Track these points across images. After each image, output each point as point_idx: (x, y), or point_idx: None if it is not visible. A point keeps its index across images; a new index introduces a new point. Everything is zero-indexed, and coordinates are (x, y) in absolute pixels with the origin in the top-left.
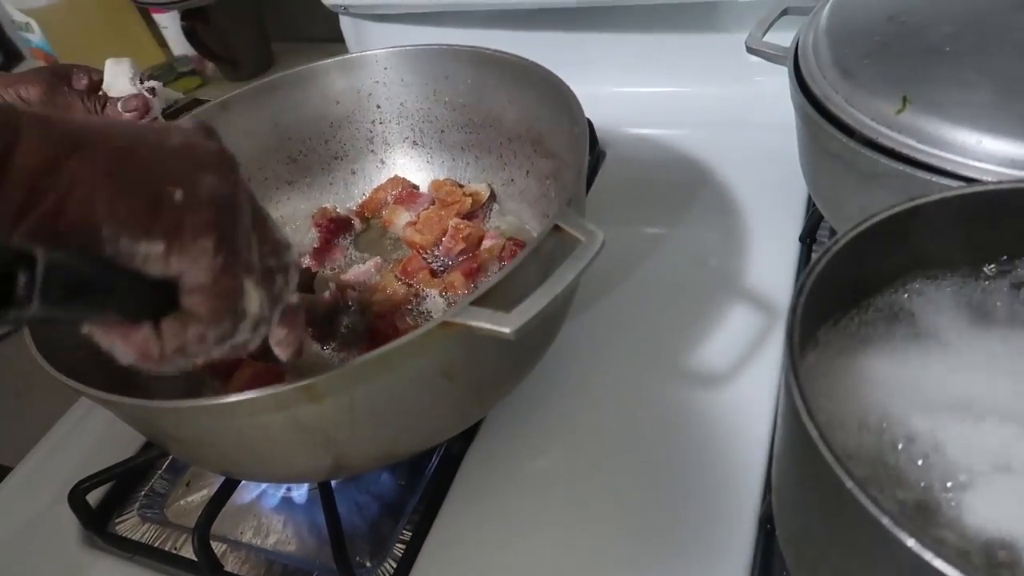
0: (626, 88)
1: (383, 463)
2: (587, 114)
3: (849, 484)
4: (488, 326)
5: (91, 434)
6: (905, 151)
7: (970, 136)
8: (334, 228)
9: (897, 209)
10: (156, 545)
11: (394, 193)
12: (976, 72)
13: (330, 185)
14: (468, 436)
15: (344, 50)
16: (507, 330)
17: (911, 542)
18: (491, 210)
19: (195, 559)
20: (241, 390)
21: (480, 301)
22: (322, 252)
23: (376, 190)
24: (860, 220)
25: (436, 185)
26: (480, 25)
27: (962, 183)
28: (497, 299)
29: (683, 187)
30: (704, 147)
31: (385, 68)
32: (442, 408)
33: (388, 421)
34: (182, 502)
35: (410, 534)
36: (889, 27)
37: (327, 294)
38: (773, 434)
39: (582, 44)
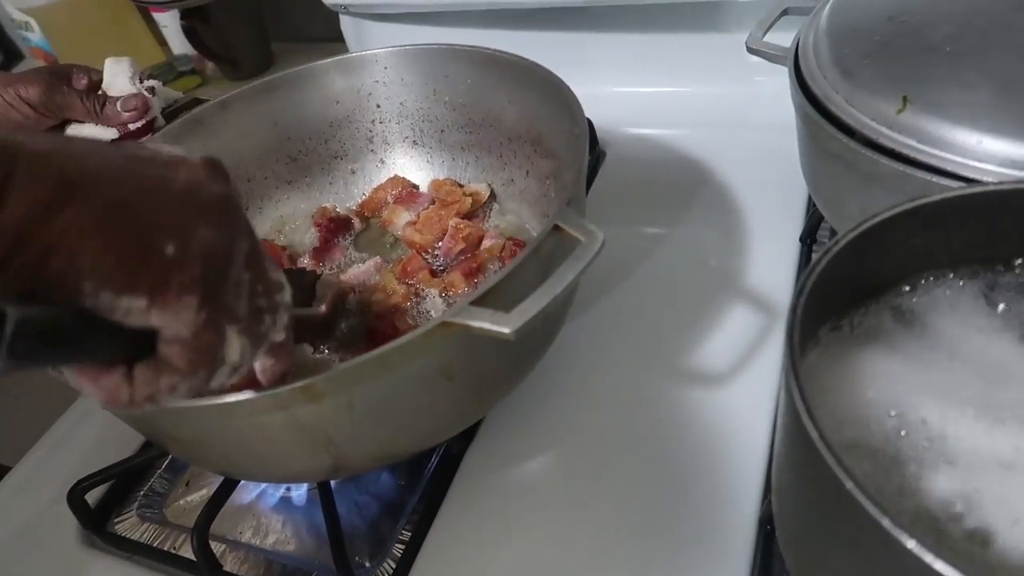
0: (626, 88)
1: (382, 463)
2: (587, 114)
3: (849, 485)
4: (488, 326)
5: (90, 433)
6: (905, 151)
7: (970, 136)
8: (334, 228)
9: (897, 210)
10: (155, 545)
11: (394, 193)
12: (976, 72)
13: (330, 185)
14: (468, 436)
15: (344, 50)
16: (507, 330)
17: (911, 543)
18: (491, 210)
19: (194, 559)
20: (240, 390)
21: (480, 301)
22: (322, 252)
23: (376, 190)
24: (860, 221)
25: (436, 185)
26: (480, 25)
27: (962, 183)
28: (497, 299)
29: (683, 187)
30: (704, 147)
31: (385, 68)
32: (441, 408)
33: (387, 421)
34: (181, 502)
35: (409, 534)
36: (889, 27)
37: (323, 308)
38: (773, 435)
39: (582, 44)
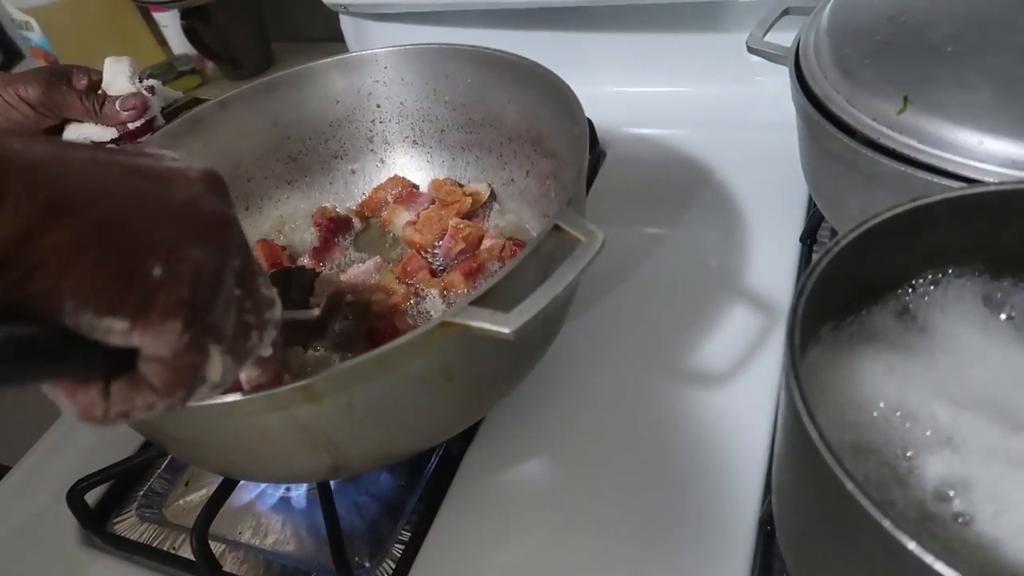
0: (627, 88)
1: (382, 463)
2: (587, 114)
3: (850, 486)
4: (487, 326)
5: (90, 433)
6: (906, 151)
7: (971, 136)
8: (334, 227)
9: (898, 210)
10: (154, 545)
11: (394, 192)
12: (977, 72)
13: (330, 184)
14: (468, 436)
15: (344, 49)
16: (507, 330)
17: (912, 545)
18: (491, 210)
19: (193, 559)
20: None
21: (480, 301)
22: (322, 252)
23: (376, 189)
24: (861, 221)
25: (436, 185)
26: (480, 24)
27: (963, 184)
28: (497, 299)
29: (683, 187)
30: (705, 147)
31: (385, 67)
32: (441, 408)
33: (387, 421)
34: (181, 502)
35: (409, 534)
36: (890, 27)
37: (316, 311)
38: (773, 435)
39: (582, 44)
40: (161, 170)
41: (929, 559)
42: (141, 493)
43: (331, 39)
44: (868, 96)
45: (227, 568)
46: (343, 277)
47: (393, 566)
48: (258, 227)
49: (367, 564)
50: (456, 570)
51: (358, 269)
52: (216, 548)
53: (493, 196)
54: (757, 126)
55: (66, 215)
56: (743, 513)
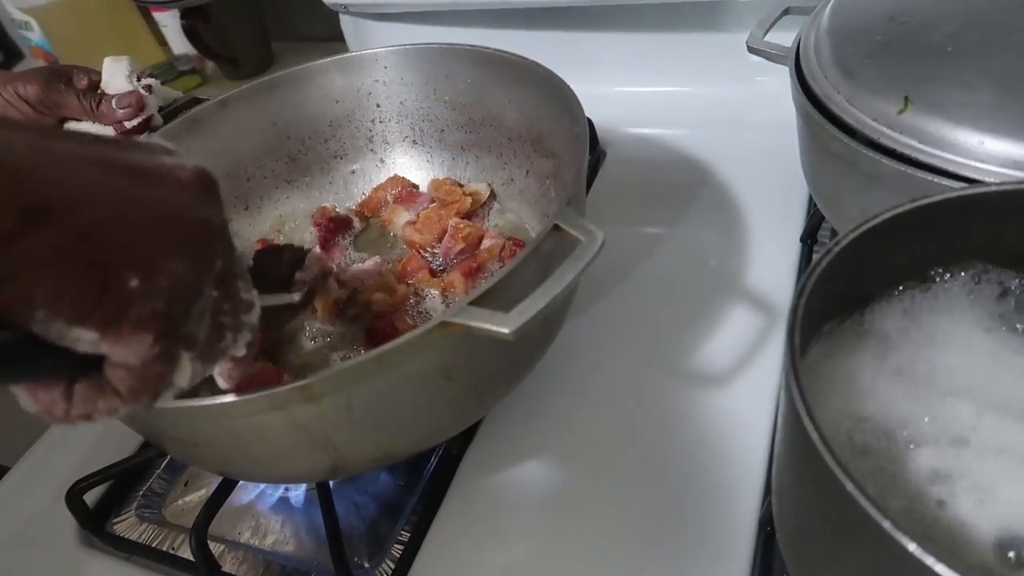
0: (627, 88)
1: (381, 463)
2: (587, 114)
3: (850, 487)
4: (487, 326)
5: (89, 433)
6: (907, 152)
7: (972, 137)
8: (333, 227)
9: (899, 210)
10: (154, 545)
11: (394, 192)
12: (978, 72)
13: (329, 184)
14: (467, 436)
15: (344, 49)
16: (506, 330)
17: (912, 546)
18: (491, 210)
19: (193, 559)
20: (238, 390)
21: (479, 301)
22: (321, 251)
23: (376, 189)
24: (861, 221)
25: (436, 184)
26: (480, 24)
27: (964, 184)
28: (496, 299)
29: (684, 187)
30: (705, 147)
31: (385, 67)
32: (441, 408)
33: (386, 421)
34: (180, 502)
35: (408, 535)
36: (891, 27)
37: (296, 296)
38: (773, 436)
39: (583, 43)
40: (151, 169)
41: (929, 560)
42: (140, 493)
43: (331, 39)
44: (869, 96)
45: (226, 568)
46: (343, 277)
47: (392, 566)
48: (258, 227)
49: (366, 564)
50: (455, 570)
51: (358, 269)
52: (215, 548)
53: (493, 196)
54: (757, 126)
55: (42, 224)
56: (743, 513)
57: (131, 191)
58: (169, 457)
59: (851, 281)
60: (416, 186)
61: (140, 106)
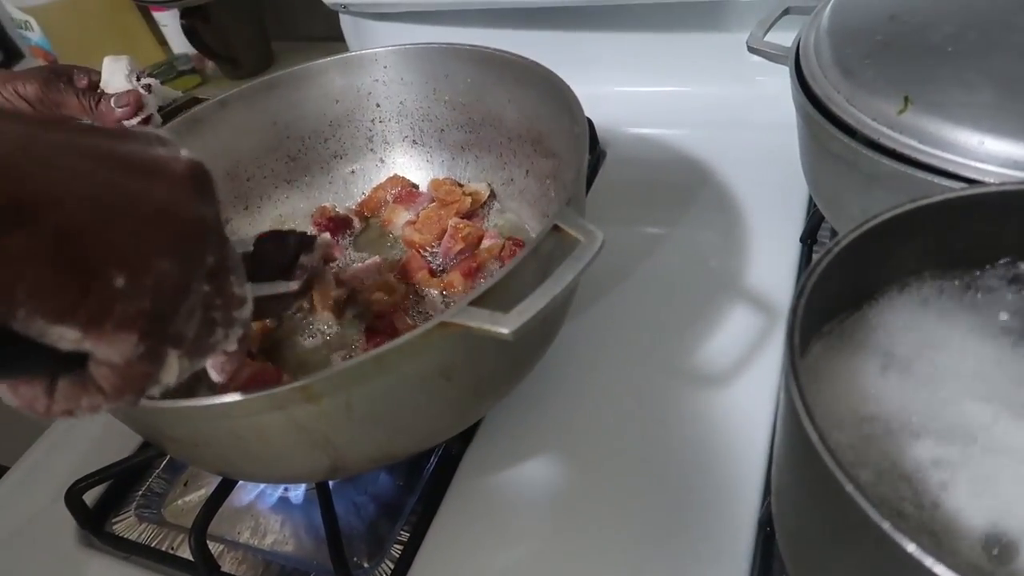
0: (627, 88)
1: (381, 464)
2: (587, 113)
3: (849, 488)
4: (486, 327)
5: (88, 433)
6: (907, 152)
7: (972, 137)
8: (333, 227)
9: (898, 210)
10: (153, 545)
11: (393, 192)
12: (978, 72)
13: (329, 184)
14: (467, 437)
15: (344, 48)
16: (506, 331)
17: (911, 547)
18: (491, 209)
19: (192, 559)
20: (238, 390)
21: (479, 301)
22: (330, 237)
23: (375, 189)
24: (861, 221)
25: (435, 184)
26: (480, 24)
27: (964, 184)
28: (496, 299)
29: (683, 187)
30: (705, 147)
31: (385, 67)
32: (440, 409)
33: (386, 421)
34: (179, 502)
35: (408, 535)
36: (891, 27)
37: (294, 284)
38: (773, 436)
39: (583, 43)
40: (144, 161)
41: (929, 561)
42: (140, 493)
43: (331, 38)
44: (869, 96)
45: (225, 568)
46: (343, 277)
47: (392, 566)
48: (257, 226)
49: (366, 564)
50: (455, 571)
51: (358, 269)
52: (215, 548)
53: (493, 196)
54: (757, 126)
55: (26, 220)
56: (743, 514)
57: (121, 184)
58: (169, 457)
59: (851, 281)
60: (416, 186)
61: (139, 105)
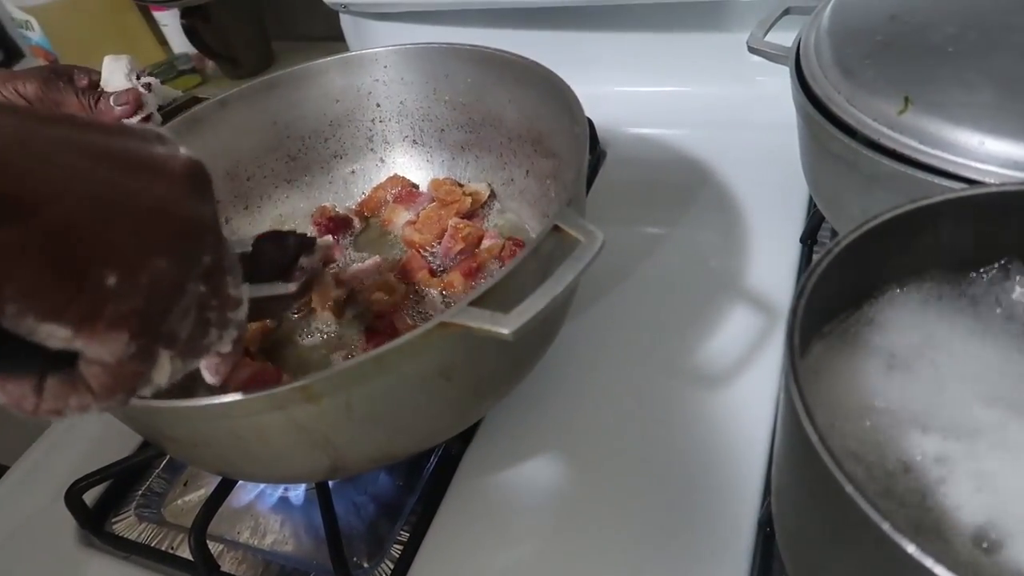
0: (627, 88)
1: (381, 464)
2: (588, 114)
3: (849, 488)
4: (486, 327)
5: (88, 433)
6: (907, 152)
7: (972, 137)
8: (333, 227)
9: (899, 211)
10: (153, 545)
11: (394, 192)
12: (979, 73)
13: (329, 184)
14: (466, 437)
15: (344, 48)
16: (506, 331)
17: (911, 548)
18: (491, 210)
19: (192, 559)
20: (238, 390)
21: (479, 302)
22: (332, 239)
23: (375, 189)
24: (862, 222)
25: (436, 184)
26: (481, 24)
27: (964, 184)
28: (496, 300)
29: (684, 187)
30: (705, 147)
31: (385, 66)
32: (440, 409)
33: (385, 422)
34: (179, 501)
35: (408, 535)
36: (891, 27)
37: (292, 286)
38: (773, 436)
39: (583, 43)
40: (142, 159)
41: (929, 563)
42: (140, 493)
43: (331, 38)
44: (869, 96)
45: (225, 568)
46: (343, 277)
47: (391, 567)
48: (257, 226)
49: (365, 564)
50: (454, 571)
51: (358, 269)
52: (214, 548)
53: (493, 196)
54: (757, 126)
55: (20, 216)
56: (742, 514)
57: (117, 182)
58: (168, 457)
59: (851, 282)
60: (416, 186)
61: (138, 103)
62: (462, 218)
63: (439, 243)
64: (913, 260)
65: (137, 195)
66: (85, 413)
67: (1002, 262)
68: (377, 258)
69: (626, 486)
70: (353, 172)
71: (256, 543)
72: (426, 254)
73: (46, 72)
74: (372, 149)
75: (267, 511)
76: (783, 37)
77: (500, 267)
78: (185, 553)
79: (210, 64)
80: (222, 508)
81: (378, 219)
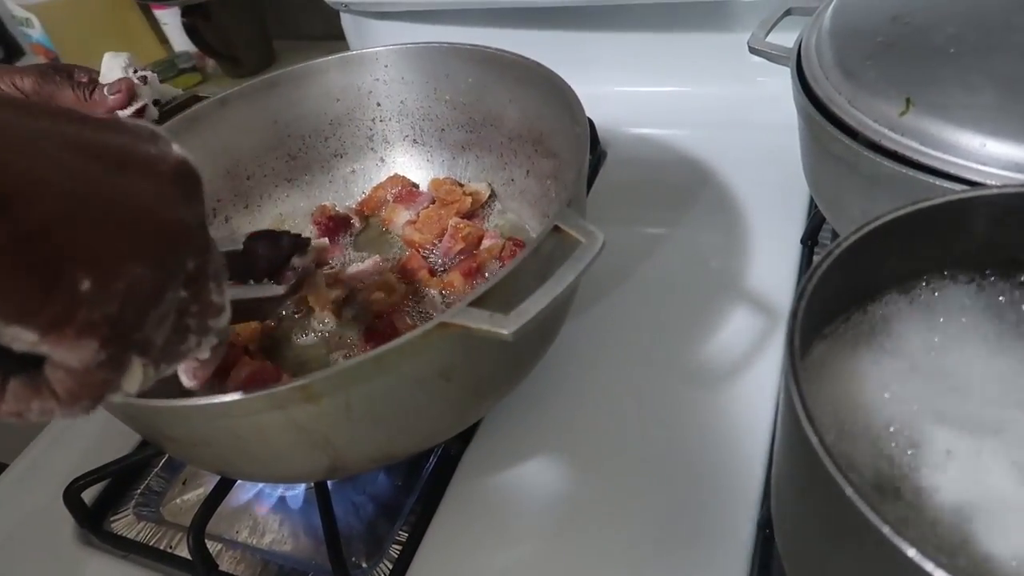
0: (628, 88)
1: (380, 464)
2: (588, 114)
3: (849, 491)
4: (486, 327)
5: (87, 431)
6: (908, 154)
7: (974, 139)
8: (333, 226)
9: (900, 212)
10: (151, 544)
11: (394, 192)
12: (980, 74)
13: (330, 183)
14: (466, 437)
15: (345, 47)
16: (505, 332)
17: (912, 552)
18: (491, 209)
19: (190, 558)
20: (237, 389)
21: (479, 302)
22: (327, 241)
23: (376, 188)
24: (862, 223)
25: (436, 184)
26: (481, 23)
27: (965, 186)
28: (496, 300)
29: (684, 188)
30: (706, 148)
31: (386, 66)
32: (440, 409)
33: (385, 422)
34: (178, 500)
35: (406, 535)
36: (893, 28)
37: (281, 288)
38: (773, 438)
39: (584, 43)
40: (129, 157)
41: (929, 566)
42: (138, 491)
43: (332, 37)
44: (870, 97)
45: (224, 567)
46: (343, 277)
47: (390, 567)
48: (257, 225)
49: (364, 565)
50: (453, 571)
51: (357, 268)
52: (213, 547)
53: (493, 196)
54: (758, 127)
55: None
56: (742, 515)
57: (101, 180)
58: (167, 456)
59: (852, 283)
60: (416, 185)
61: (131, 93)
62: (462, 218)
63: (439, 243)
64: (914, 262)
65: (120, 195)
66: (48, 418)
67: (1004, 264)
68: (377, 258)
69: (626, 486)
70: (353, 171)
71: (255, 543)
72: (426, 254)
73: (45, 68)
74: (372, 148)
75: (266, 511)
76: (784, 38)
77: (500, 267)
78: (184, 552)
79: (211, 63)
80: (221, 507)
81: (378, 218)
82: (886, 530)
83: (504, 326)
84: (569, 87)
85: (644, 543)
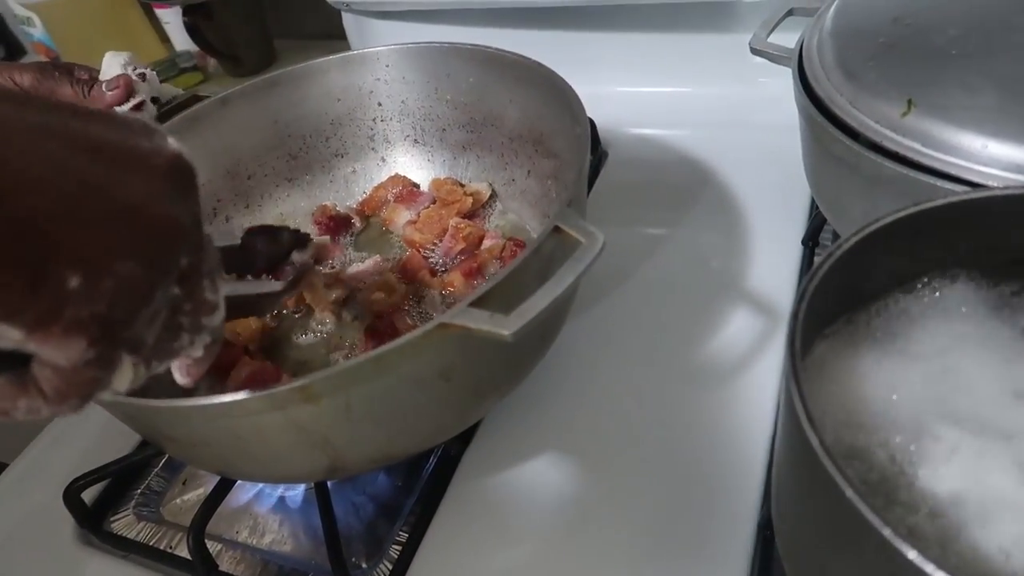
0: (629, 88)
1: (380, 464)
2: (589, 114)
3: (849, 493)
4: (486, 328)
5: (87, 431)
6: (909, 155)
7: (975, 140)
8: (334, 226)
9: (901, 214)
10: (151, 544)
11: (394, 191)
12: (982, 75)
13: (330, 183)
14: (466, 437)
15: (346, 47)
16: (505, 332)
17: (912, 554)
18: (492, 210)
19: (190, 558)
20: (237, 389)
21: (479, 303)
22: (329, 239)
23: (376, 188)
24: (863, 224)
25: (437, 184)
26: (482, 23)
27: (967, 188)
28: (496, 301)
29: (685, 188)
30: (707, 148)
31: (387, 66)
32: (440, 409)
33: (385, 422)
34: (178, 500)
35: (406, 535)
36: (894, 29)
37: (279, 285)
38: (773, 439)
39: (585, 43)
40: (123, 151)
41: (929, 568)
42: (138, 492)
43: (333, 37)
44: (872, 98)
45: (223, 567)
46: (343, 276)
47: (390, 567)
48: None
49: (364, 565)
50: (453, 571)
51: (358, 268)
52: (213, 547)
53: (494, 196)
54: (759, 127)
55: None
56: (742, 517)
57: (93, 174)
58: (167, 456)
59: (853, 284)
60: (417, 185)
61: (129, 88)
62: (463, 218)
63: (440, 243)
64: (915, 263)
65: (112, 190)
66: (35, 417)
67: (1005, 265)
68: (377, 257)
69: (626, 487)
70: (354, 171)
71: (255, 543)
72: (427, 254)
73: (45, 65)
74: (373, 148)
75: (266, 511)
76: (786, 38)
77: (501, 267)
78: (183, 552)
79: (212, 62)
80: (221, 507)
81: (379, 218)
82: (887, 532)
83: (504, 326)
84: (570, 87)
85: (644, 543)
